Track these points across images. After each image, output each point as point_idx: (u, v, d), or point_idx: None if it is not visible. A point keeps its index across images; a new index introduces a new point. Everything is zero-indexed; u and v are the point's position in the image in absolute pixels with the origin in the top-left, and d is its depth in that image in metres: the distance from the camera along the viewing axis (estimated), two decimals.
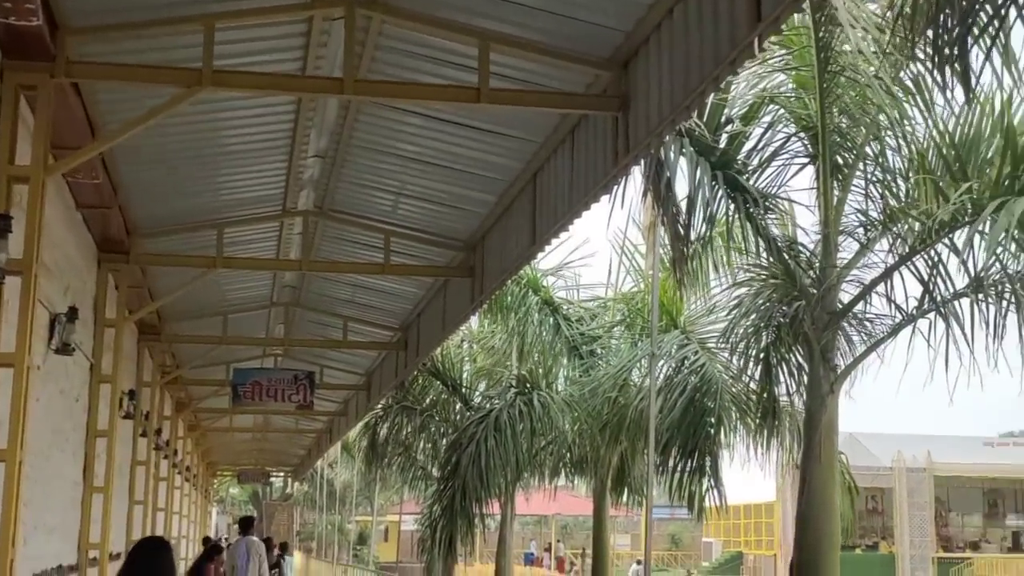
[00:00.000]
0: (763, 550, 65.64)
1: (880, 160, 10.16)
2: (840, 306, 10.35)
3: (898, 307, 10.04)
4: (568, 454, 17.37)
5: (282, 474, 46.79)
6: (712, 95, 7.76)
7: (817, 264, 10.41)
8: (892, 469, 60.80)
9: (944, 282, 9.68)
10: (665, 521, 66.91)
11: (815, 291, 10.27)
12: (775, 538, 64.01)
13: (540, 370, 16.51)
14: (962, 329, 9.61)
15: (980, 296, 9.60)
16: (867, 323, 10.39)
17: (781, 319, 11.25)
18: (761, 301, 11.48)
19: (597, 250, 16.45)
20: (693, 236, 10.27)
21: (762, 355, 11.49)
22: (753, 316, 11.58)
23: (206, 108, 7.73)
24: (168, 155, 8.88)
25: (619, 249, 15.71)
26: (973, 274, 9.40)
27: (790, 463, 15.32)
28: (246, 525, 18.62)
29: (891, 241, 9.90)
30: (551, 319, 16.29)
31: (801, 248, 10.68)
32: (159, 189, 9.75)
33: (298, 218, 10.87)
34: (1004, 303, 9.56)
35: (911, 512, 62.56)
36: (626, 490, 17.01)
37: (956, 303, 9.71)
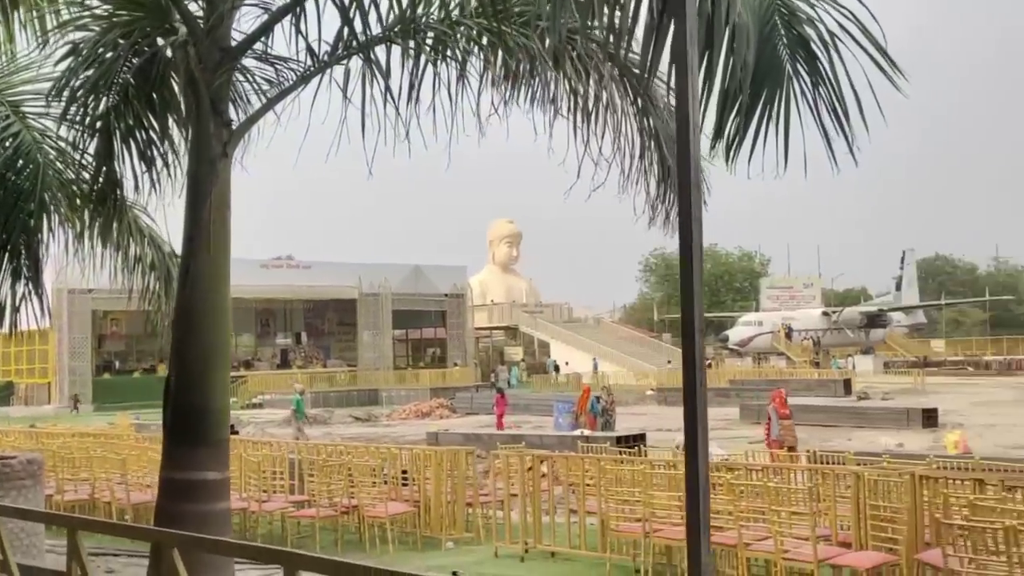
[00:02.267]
0: (36, 378, 61.50)
1: None
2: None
3: (311, 50, 7.96)
4: None
5: None
6: None
7: None
8: None
9: (368, 20, 7.78)
10: None
11: (203, 21, 7.82)
12: (49, 365, 60.21)
13: None
14: (384, 79, 7.85)
15: (404, 42, 7.91)
16: (271, 67, 8.23)
17: (130, 77, 8.72)
18: (103, 50, 8.74)
19: None
20: None
21: (99, 123, 8.94)
22: (93, 70, 8.82)
23: None
24: None
25: None
26: (402, 12, 7.63)
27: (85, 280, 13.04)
28: None
29: None
30: None
31: None
32: None
33: None
34: (432, 52, 7.98)
35: None
36: None
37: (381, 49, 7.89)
